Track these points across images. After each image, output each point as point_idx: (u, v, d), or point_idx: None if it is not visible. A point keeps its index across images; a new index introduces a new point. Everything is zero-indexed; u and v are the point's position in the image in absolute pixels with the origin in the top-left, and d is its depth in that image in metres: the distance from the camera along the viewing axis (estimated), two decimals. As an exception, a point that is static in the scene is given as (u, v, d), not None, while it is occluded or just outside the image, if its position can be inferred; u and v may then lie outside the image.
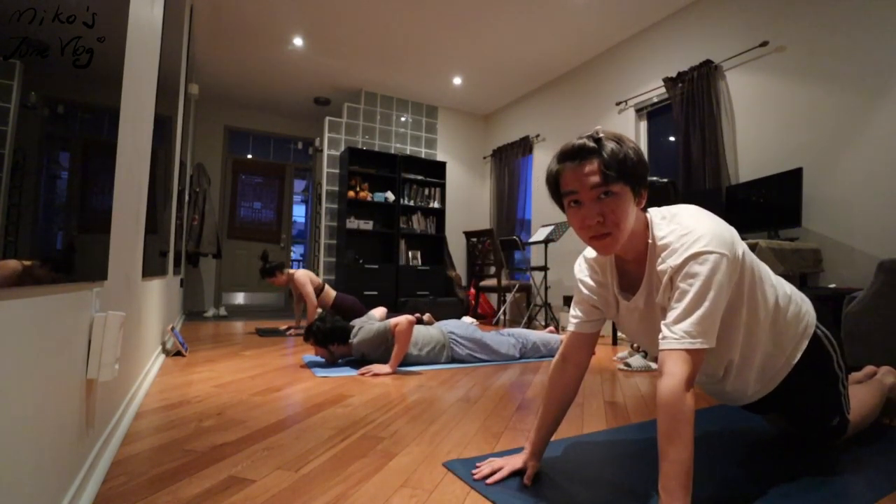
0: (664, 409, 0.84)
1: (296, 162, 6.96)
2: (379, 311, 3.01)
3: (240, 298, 6.61)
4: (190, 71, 4.10)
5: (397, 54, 4.77)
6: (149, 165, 1.75)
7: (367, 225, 5.38)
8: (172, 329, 2.89)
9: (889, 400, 1.48)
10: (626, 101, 4.28)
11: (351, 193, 5.29)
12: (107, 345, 0.96)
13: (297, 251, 7.23)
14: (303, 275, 3.79)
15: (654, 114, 4.21)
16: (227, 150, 6.40)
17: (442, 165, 5.85)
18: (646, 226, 1.00)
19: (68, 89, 0.78)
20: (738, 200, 3.08)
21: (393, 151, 5.79)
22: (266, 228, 6.69)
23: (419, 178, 5.72)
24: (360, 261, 5.30)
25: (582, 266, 1.17)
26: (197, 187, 5.54)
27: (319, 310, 3.74)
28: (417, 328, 2.61)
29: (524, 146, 5.52)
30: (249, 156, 6.69)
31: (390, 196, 5.51)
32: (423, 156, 6.02)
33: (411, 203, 5.66)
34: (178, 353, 2.67)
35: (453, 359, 2.70)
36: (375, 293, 5.09)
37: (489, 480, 1.06)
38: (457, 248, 6.07)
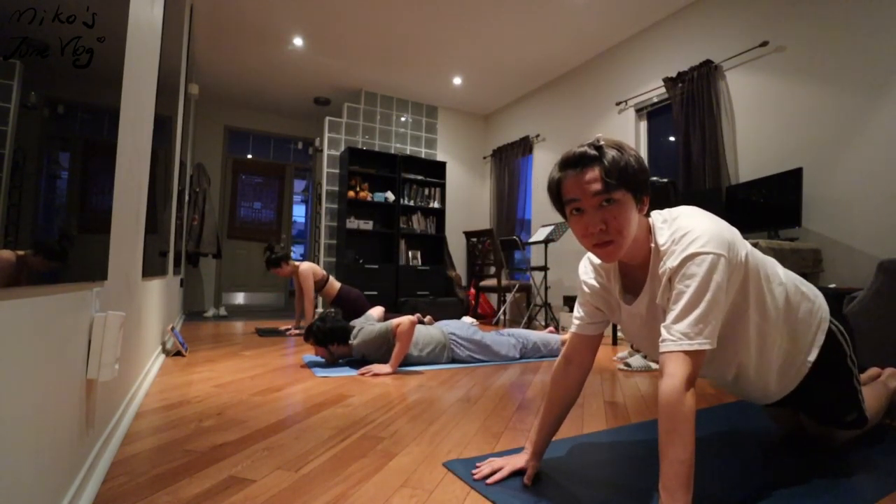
0: (665, 410, 0.84)
1: (296, 162, 6.96)
2: (377, 311, 3.01)
3: (240, 298, 6.61)
4: (190, 71, 4.10)
5: (397, 54, 4.77)
6: (149, 165, 1.75)
7: (367, 225, 5.38)
8: (172, 329, 2.89)
9: (893, 403, 1.48)
10: (626, 101, 4.28)
11: (351, 193, 5.30)
12: (107, 345, 0.96)
13: (297, 251, 7.24)
14: (307, 268, 3.79)
15: (654, 114, 4.21)
16: (227, 150, 6.40)
17: (442, 165, 5.85)
18: (648, 231, 1.00)
19: (68, 89, 0.78)
20: (738, 200, 3.08)
21: (393, 151, 5.79)
22: (266, 228, 6.69)
23: (419, 178, 5.72)
24: (360, 261, 5.30)
25: (587, 268, 1.17)
26: (197, 187, 5.54)
27: (319, 309, 3.75)
28: (418, 328, 2.61)
29: (524, 146, 5.52)
30: (249, 156, 6.69)
31: (390, 196, 5.51)
32: (423, 156, 6.02)
33: (411, 203, 5.66)
34: (178, 353, 2.67)
35: (453, 359, 2.70)
36: (375, 293, 5.08)
37: (489, 480, 1.06)
38: (457, 248, 6.07)
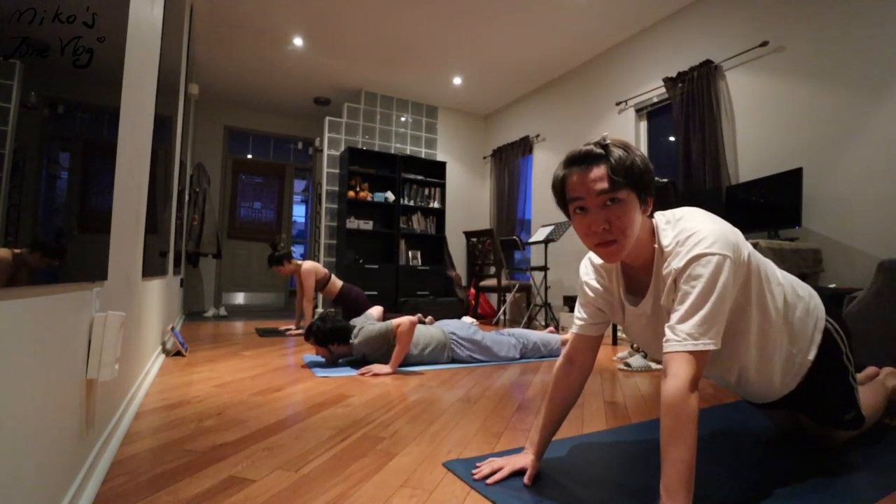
0: (668, 410, 0.84)
1: (296, 162, 6.96)
2: (376, 311, 3.01)
3: (240, 298, 6.61)
4: (190, 71, 4.10)
5: (397, 54, 4.77)
6: (149, 165, 1.75)
7: (367, 225, 5.38)
8: (172, 329, 2.89)
9: (891, 402, 1.48)
10: (626, 101, 4.28)
11: (351, 193, 5.29)
12: (107, 345, 0.96)
13: (297, 251, 7.24)
14: (309, 267, 3.81)
15: (654, 114, 4.21)
16: (227, 150, 6.40)
17: (442, 165, 5.85)
18: (652, 232, 0.99)
19: (68, 89, 0.78)
20: (738, 200, 3.08)
21: (393, 151, 5.79)
22: (266, 228, 6.69)
23: (419, 178, 5.72)
24: (360, 261, 5.30)
25: (588, 269, 1.16)
26: (197, 187, 5.54)
27: (319, 309, 3.75)
28: (418, 328, 2.61)
29: (524, 146, 5.52)
30: (249, 156, 6.69)
31: (390, 196, 5.51)
32: (423, 156, 6.02)
33: (411, 203, 5.66)
34: (178, 353, 2.67)
35: (454, 359, 2.70)
36: (375, 293, 5.08)
37: (489, 480, 1.06)
38: (457, 248, 6.07)
